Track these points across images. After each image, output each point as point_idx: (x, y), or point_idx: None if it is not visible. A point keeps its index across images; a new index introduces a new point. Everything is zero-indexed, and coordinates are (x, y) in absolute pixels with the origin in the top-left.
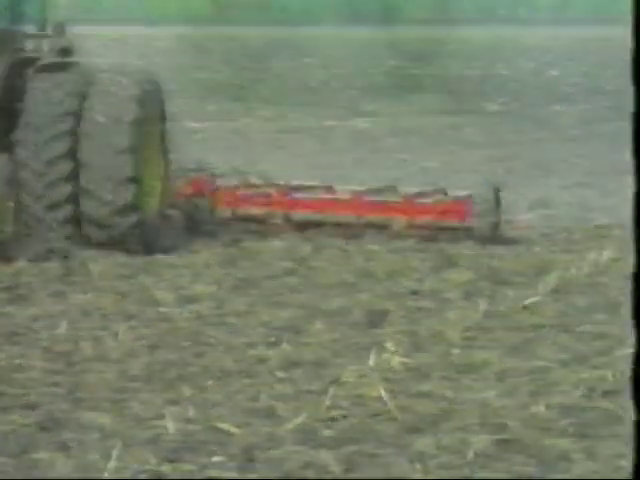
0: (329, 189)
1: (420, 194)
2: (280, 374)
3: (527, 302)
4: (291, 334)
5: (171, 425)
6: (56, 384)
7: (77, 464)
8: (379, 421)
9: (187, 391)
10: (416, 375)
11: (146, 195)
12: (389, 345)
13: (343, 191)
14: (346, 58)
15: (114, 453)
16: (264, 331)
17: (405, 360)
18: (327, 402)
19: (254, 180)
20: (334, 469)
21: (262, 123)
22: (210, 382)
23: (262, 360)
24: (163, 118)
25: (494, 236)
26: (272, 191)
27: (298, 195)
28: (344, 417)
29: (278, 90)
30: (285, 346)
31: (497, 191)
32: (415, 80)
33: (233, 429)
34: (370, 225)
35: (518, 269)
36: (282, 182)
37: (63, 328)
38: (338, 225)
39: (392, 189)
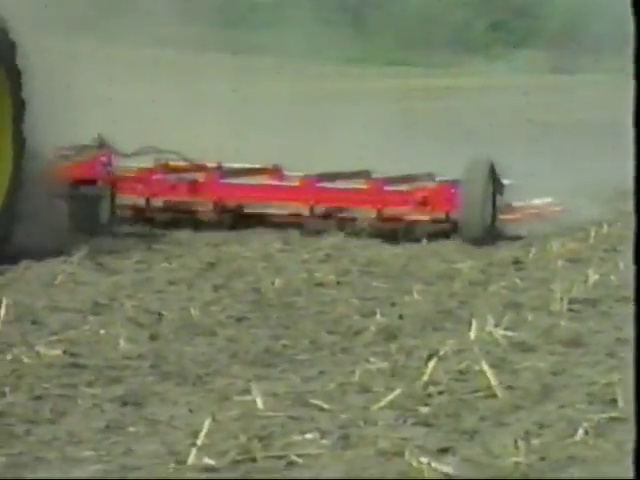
0: (274, 173)
1: (394, 179)
2: (375, 348)
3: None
4: (386, 306)
5: (260, 401)
6: (141, 357)
7: (163, 440)
8: (480, 397)
9: (278, 365)
10: (519, 349)
11: None
12: (490, 317)
13: (292, 176)
14: None
15: (202, 429)
16: (358, 302)
17: (507, 333)
18: (424, 377)
19: (176, 161)
20: (430, 447)
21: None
22: (301, 356)
23: (356, 333)
24: (13, 72)
25: (485, 234)
26: (200, 175)
27: (232, 180)
28: (442, 393)
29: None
30: (380, 318)
31: (493, 170)
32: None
33: (326, 405)
34: (329, 218)
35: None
36: (213, 163)
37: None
38: (282, 218)
39: (363, 174)
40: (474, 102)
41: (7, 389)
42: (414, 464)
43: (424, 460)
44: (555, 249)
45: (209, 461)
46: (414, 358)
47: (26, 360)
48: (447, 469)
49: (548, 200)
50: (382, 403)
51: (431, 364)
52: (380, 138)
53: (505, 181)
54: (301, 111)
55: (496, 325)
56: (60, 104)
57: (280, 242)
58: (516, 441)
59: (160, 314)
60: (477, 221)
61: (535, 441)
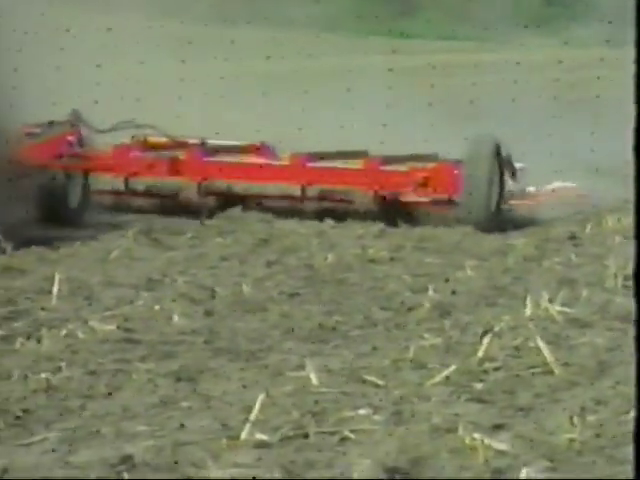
0: (262, 151)
1: (393, 159)
2: (429, 324)
3: None
4: (440, 282)
5: (314, 377)
6: (194, 332)
7: (216, 415)
8: (535, 374)
9: (331, 341)
10: (575, 325)
11: None
12: (545, 293)
13: (282, 154)
14: None
15: (255, 405)
16: (411, 279)
17: (563, 309)
18: (479, 353)
19: (157, 137)
20: (485, 424)
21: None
22: (355, 332)
23: (410, 309)
24: None
25: (489, 220)
26: (181, 153)
27: (217, 159)
28: (497, 369)
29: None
30: (433, 294)
31: (498, 149)
32: None
33: (380, 381)
34: (323, 199)
35: None
36: (195, 140)
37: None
38: (272, 199)
39: (359, 153)
40: (512, 77)
41: (62, 364)
42: (467, 440)
43: (477, 436)
44: (611, 224)
45: (262, 436)
46: (468, 334)
47: (81, 335)
48: (501, 445)
49: (569, 184)
50: (436, 379)
51: (486, 340)
52: (424, 115)
53: (518, 164)
54: (347, 86)
55: (551, 301)
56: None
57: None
58: (571, 418)
59: (213, 290)
60: (480, 205)
61: (591, 418)
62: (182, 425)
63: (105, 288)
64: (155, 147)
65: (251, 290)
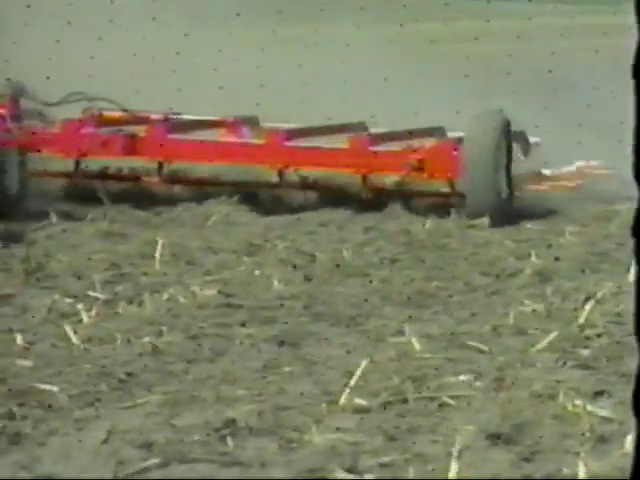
0: (234, 127)
1: (386, 136)
2: (530, 290)
3: None
4: (541, 247)
5: (416, 342)
6: (294, 297)
7: (317, 380)
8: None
9: (431, 307)
10: None
11: None
12: None
13: (258, 131)
14: None
15: (357, 370)
16: (512, 244)
17: None
18: (580, 320)
19: (112, 111)
20: (586, 390)
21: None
22: (455, 297)
23: (511, 275)
24: None
25: (496, 209)
26: (140, 129)
27: (181, 136)
28: (600, 336)
29: None
30: (535, 260)
31: (508, 125)
32: None
33: (481, 347)
34: (305, 186)
35: None
36: (158, 115)
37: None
38: (249, 187)
39: (359, 126)
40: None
41: (164, 328)
42: (569, 407)
43: (579, 403)
44: None
45: (361, 402)
46: (570, 300)
47: (182, 300)
48: (604, 412)
49: (593, 163)
50: (540, 345)
51: (588, 306)
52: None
53: (532, 139)
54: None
55: None
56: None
57: None
58: None
59: (313, 255)
60: (484, 192)
61: None
62: (282, 390)
63: (206, 253)
64: (111, 122)
65: (350, 255)
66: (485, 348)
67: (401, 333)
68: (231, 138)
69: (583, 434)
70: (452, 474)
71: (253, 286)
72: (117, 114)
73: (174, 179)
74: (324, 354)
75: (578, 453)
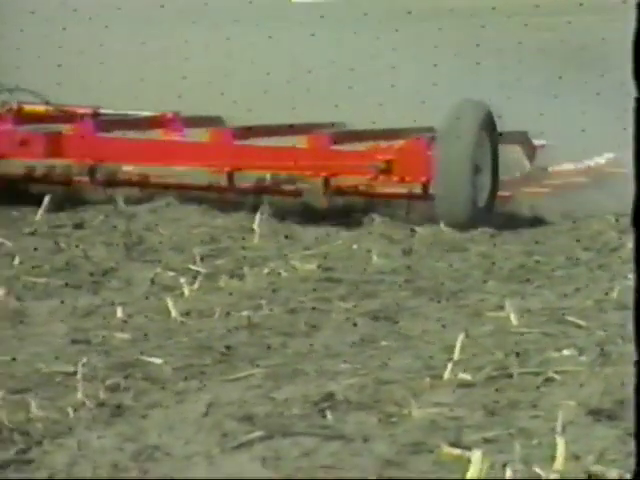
0: (173, 124)
1: (351, 134)
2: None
3: None
4: None
5: (513, 317)
6: (394, 272)
7: (417, 355)
8: None
9: (532, 281)
10: None
11: None
12: None
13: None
14: None
15: (455, 345)
16: (614, 219)
17: None
18: None
19: (35, 105)
20: None
21: None
22: (557, 272)
23: (613, 249)
24: None
25: (474, 218)
26: (67, 127)
27: (113, 135)
28: None
29: None
30: None
31: (490, 119)
32: None
33: (580, 322)
34: (259, 190)
35: None
36: (86, 109)
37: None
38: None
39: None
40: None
41: (263, 302)
42: None
43: None
44: None
45: (465, 376)
46: None
47: (283, 274)
48: None
49: (609, 155)
50: None
51: None
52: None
53: (538, 142)
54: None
55: None
56: None
57: None
58: None
59: (413, 230)
60: (459, 198)
61: None
62: (384, 364)
63: (305, 227)
64: (33, 118)
65: (451, 230)
66: (583, 323)
67: (500, 308)
68: (171, 137)
69: None
70: (560, 450)
71: (352, 260)
72: (39, 108)
73: (109, 181)
74: (419, 328)
75: None
